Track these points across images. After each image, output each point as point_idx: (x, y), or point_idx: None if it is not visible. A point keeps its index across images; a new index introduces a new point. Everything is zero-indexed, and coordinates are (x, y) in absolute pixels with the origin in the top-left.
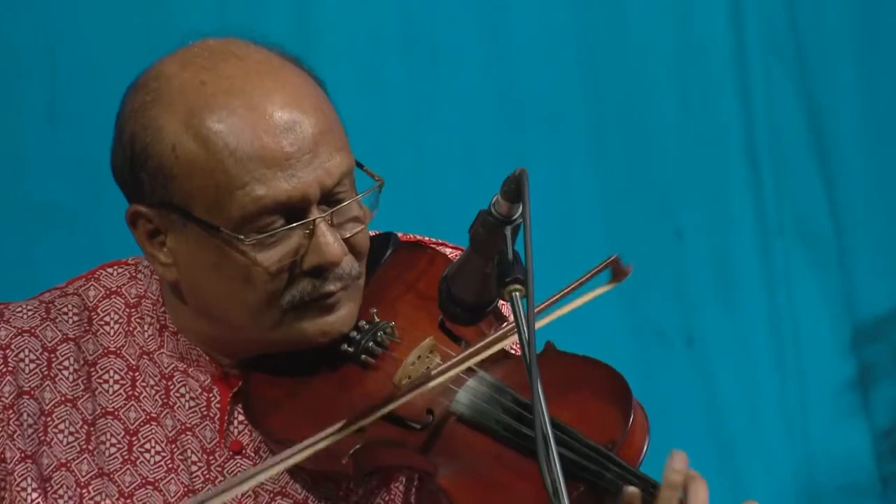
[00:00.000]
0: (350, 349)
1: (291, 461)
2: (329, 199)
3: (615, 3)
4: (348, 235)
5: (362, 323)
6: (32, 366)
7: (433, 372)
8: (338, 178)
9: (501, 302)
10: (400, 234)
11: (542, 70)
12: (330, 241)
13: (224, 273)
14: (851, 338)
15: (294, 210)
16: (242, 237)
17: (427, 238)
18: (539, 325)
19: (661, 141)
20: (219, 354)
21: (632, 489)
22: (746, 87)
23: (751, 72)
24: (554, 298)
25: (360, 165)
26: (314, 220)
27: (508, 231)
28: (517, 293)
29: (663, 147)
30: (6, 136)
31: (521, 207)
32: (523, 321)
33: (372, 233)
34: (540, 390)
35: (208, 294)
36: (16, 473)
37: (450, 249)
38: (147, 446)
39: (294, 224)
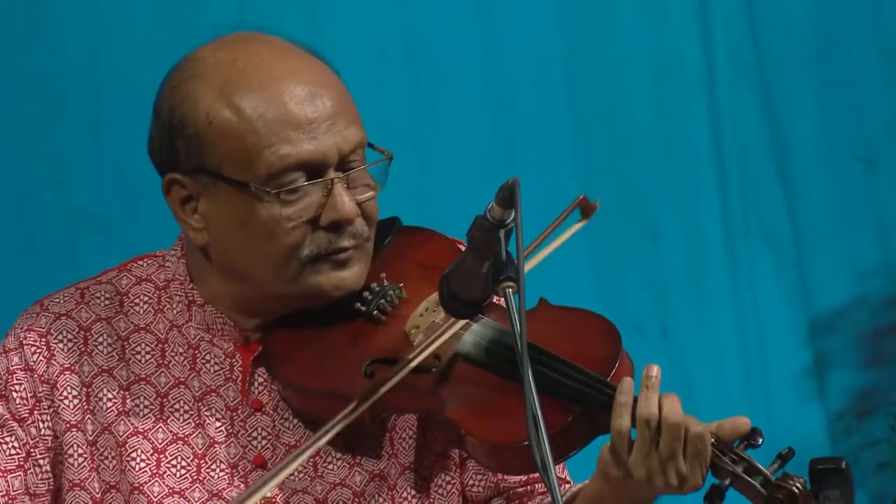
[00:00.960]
0: (363, 308)
1: (328, 436)
2: (344, 166)
3: (600, 27)
4: (361, 200)
5: (373, 285)
6: (70, 344)
7: (438, 320)
8: (353, 146)
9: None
10: None
11: (533, 86)
12: (346, 199)
13: (250, 229)
14: (808, 330)
15: (314, 170)
16: (269, 189)
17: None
18: (527, 267)
19: (640, 152)
20: (243, 317)
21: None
22: (716, 105)
23: (719, 91)
24: (534, 244)
25: (370, 145)
26: (332, 179)
27: (502, 234)
28: (510, 289)
29: (641, 157)
30: (53, 147)
31: (513, 213)
32: (515, 315)
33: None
34: (531, 381)
35: (235, 253)
36: (65, 443)
37: (444, 235)
38: (176, 406)
39: (315, 181)
